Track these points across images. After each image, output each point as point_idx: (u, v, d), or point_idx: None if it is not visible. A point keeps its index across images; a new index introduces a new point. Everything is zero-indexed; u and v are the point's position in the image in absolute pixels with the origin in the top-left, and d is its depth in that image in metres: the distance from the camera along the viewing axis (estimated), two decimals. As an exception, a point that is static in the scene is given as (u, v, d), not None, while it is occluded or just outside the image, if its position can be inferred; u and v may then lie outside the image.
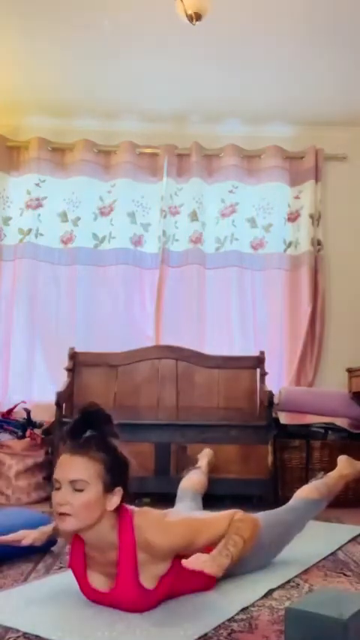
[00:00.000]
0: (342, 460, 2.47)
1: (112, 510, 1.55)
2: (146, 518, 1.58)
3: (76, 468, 1.51)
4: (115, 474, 1.56)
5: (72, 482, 1.50)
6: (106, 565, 1.59)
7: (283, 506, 2.19)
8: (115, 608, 1.59)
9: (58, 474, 1.53)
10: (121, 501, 1.57)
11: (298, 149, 4.29)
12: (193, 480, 2.70)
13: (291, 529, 2.12)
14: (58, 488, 1.52)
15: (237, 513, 1.67)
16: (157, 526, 1.57)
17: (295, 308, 4.17)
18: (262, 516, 2.02)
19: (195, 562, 1.46)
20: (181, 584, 1.68)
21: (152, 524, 1.57)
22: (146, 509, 1.65)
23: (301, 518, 2.16)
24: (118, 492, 1.56)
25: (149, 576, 1.57)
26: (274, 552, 2.07)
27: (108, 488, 1.53)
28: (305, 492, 2.25)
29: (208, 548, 1.58)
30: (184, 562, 1.46)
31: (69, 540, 1.72)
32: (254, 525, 1.68)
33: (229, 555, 1.53)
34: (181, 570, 1.62)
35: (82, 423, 1.60)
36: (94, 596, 1.63)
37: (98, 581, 1.62)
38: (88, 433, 1.58)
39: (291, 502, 2.22)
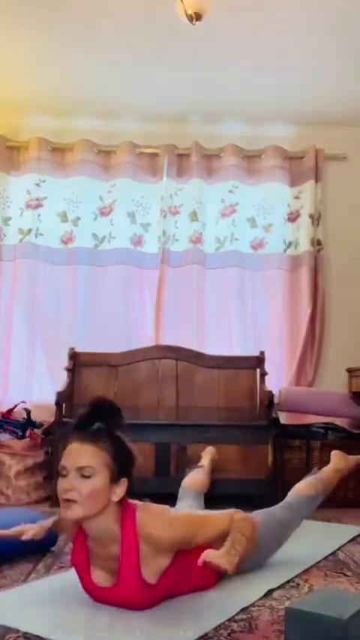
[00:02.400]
0: (335, 455, 2.49)
1: (115, 503, 1.56)
2: (149, 512, 1.59)
3: (85, 455, 1.53)
4: (122, 464, 1.57)
5: (80, 468, 1.52)
6: (109, 560, 1.59)
7: (280, 504, 2.19)
8: (116, 604, 1.60)
9: (66, 461, 1.54)
10: (125, 494, 1.59)
11: (298, 149, 4.29)
12: (195, 479, 2.71)
13: (288, 526, 2.12)
14: (65, 475, 1.53)
15: (237, 513, 1.68)
16: (160, 519, 1.58)
17: (295, 308, 4.17)
18: (259, 514, 2.04)
19: (211, 555, 1.51)
20: (183, 580, 1.69)
21: (155, 517, 1.58)
22: (149, 503, 1.66)
23: (297, 515, 2.17)
24: (123, 483, 1.57)
25: (151, 571, 1.57)
26: (272, 550, 2.08)
27: (114, 479, 1.55)
28: (301, 489, 2.26)
29: (206, 546, 1.59)
30: (201, 557, 1.50)
31: (70, 535, 1.73)
32: (253, 525, 1.71)
33: (237, 554, 1.58)
34: (182, 566, 1.62)
35: (93, 414, 1.62)
36: (96, 593, 1.63)
37: (100, 578, 1.63)
38: (97, 425, 1.60)
39: (287, 499, 2.23)
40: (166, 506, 1.73)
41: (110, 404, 1.66)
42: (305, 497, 2.21)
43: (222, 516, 1.69)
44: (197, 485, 2.67)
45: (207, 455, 3.05)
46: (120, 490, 1.56)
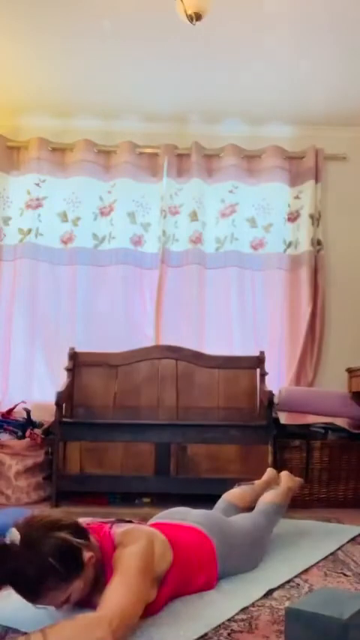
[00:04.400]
0: (284, 475, 2.68)
1: (89, 557, 1.49)
2: (124, 537, 1.56)
3: (50, 601, 1.44)
4: (71, 563, 1.43)
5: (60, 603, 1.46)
6: (98, 582, 1.54)
7: (253, 512, 2.29)
8: None
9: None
10: (88, 539, 1.51)
11: (298, 149, 4.29)
12: (234, 493, 2.57)
13: (266, 531, 2.22)
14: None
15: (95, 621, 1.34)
16: (124, 545, 1.53)
17: (295, 308, 4.17)
18: (246, 519, 2.16)
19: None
20: (182, 587, 1.69)
21: (124, 542, 1.54)
22: (131, 527, 1.61)
23: (272, 521, 2.29)
24: (86, 552, 1.47)
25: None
26: (260, 553, 2.12)
27: (79, 570, 1.45)
28: (271, 497, 2.40)
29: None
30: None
31: None
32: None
33: None
34: (180, 575, 1.62)
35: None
36: (89, 606, 1.61)
37: (92, 594, 1.56)
38: (23, 590, 1.43)
39: (260, 507, 2.33)
40: (145, 530, 1.63)
41: None
42: (277, 505, 2.36)
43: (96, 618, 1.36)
44: (234, 498, 2.53)
45: (266, 475, 2.77)
46: (87, 554, 1.47)
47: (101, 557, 1.54)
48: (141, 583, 1.44)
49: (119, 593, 1.38)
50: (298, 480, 2.73)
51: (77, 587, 1.46)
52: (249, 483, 2.67)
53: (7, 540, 1.41)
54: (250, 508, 2.42)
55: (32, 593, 1.42)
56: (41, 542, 1.39)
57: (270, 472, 2.78)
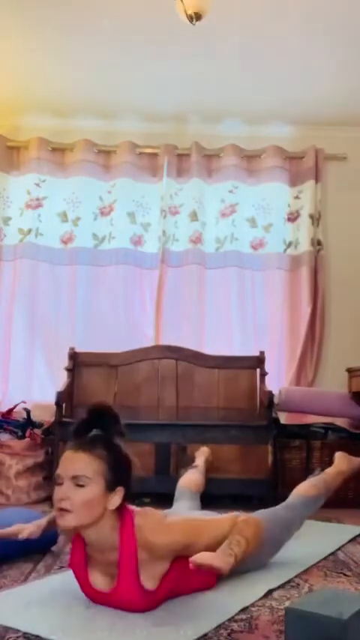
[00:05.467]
0: (339, 456, 2.49)
1: (113, 510, 1.55)
2: (147, 518, 1.58)
3: (79, 464, 1.52)
4: (118, 473, 1.55)
5: (74, 477, 1.51)
6: (107, 565, 1.59)
7: (282, 504, 2.19)
8: (116, 608, 1.59)
9: (61, 469, 1.54)
10: (123, 501, 1.57)
11: (298, 149, 4.29)
12: (190, 479, 2.70)
13: (290, 527, 2.12)
14: (60, 484, 1.53)
15: (240, 516, 1.67)
16: (158, 526, 1.57)
17: (295, 308, 4.17)
18: (261, 515, 2.03)
19: (202, 557, 1.47)
20: (183, 583, 1.68)
21: (153, 524, 1.57)
22: (147, 509, 1.65)
23: (299, 516, 2.16)
24: (120, 492, 1.55)
25: (150, 576, 1.57)
26: (273, 551, 2.07)
27: (110, 487, 1.53)
28: (303, 489, 2.25)
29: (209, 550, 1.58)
30: (192, 559, 1.46)
31: (69, 538, 1.72)
32: (257, 527, 1.69)
33: (233, 554, 1.55)
34: (182, 570, 1.62)
35: (90, 421, 1.60)
36: (95, 596, 1.63)
37: (99, 581, 1.62)
38: (94, 432, 1.58)
39: (289, 499, 2.22)
40: (166, 512, 1.71)
41: (109, 410, 1.63)
42: (307, 499, 2.21)
43: (223, 520, 1.67)
44: (192, 485, 2.66)
45: (201, 455, 3.03)
46: (116, 498, 1.55)
47: (118, 528, 1.55)
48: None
49: (221, 519, 1.69)
50: (358, 460, 2.49)
51: (97, 487, 1.51)
52: (193, 466, 2.78)
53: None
54: None
55: (93, 440, 1.56)
56: (122, 449, 1.59)
57: (202, 451, 2.99)
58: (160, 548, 1.54)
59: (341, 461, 2.45)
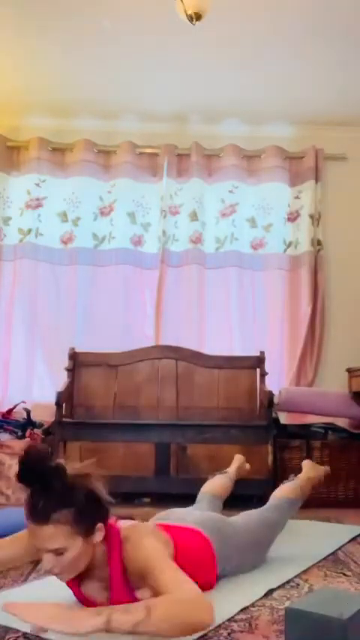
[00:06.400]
0: (306, 464, 2.60)
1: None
2: (134, 530, 1.58)
3: (49, 540, 1.45)
4: (88, 517, 1.49)
5: (50, 550, 1.46)
6: (100, 580, 1.58)
7: (267, 506, 2.25)
8: None
9: (36, 543, 1.48)
10: (105, 524, 1.55)
11: (298, 149, 4.29)
12: (214, 484, 2.61)
13: (276, 527, 2.18)
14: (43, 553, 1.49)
15: (186, 590, 1.40)
16: (134, 541, 1.55)
17: (295, 308, 4.17)
18: (249, 517, 2.11)
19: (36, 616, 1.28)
20: None
21: (133, 537, 1.55)
22: (134, 527, 1.63)
23: (283, 517, 2.23)
24: (100, 528, 1.52)
25: (144, 589, 1.53)
26: (263, 551, 2.11)
27: (88, 532, 1.49)
28: (286, 492, 2.33)
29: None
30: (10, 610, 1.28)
31: None
32: (180, 607, 1.35)
33: (108, 621, 1.25)
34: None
35: (38, 491, 1.51)
36: (90, 606, 1.61)
37: (94, 591, 1.60)
38: (40, 504, 1.46)
39: (274, 501, 2.28)
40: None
41: (35, 464, 1.54)
42: (291, 500, 2.29)
43: (177, 583, 1.41)
44: (216, 489, 2.57)
45: (235, 462, 2.88)
46: (99, 534, 1.51)
47: (106, 550, 1.55)
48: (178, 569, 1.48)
49: (183, 578, 1.42)
50: (323, 468, 2.62)
51: (76, 546, 1.46)
52: (223, 472, 2.72)
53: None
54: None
55: (44, 510, 1.44)
56: (88, 479, 1.52)
57: (238, 458, 2.87)
58: (132, 563, 1.52)
59: (308, 468, 2.56)
